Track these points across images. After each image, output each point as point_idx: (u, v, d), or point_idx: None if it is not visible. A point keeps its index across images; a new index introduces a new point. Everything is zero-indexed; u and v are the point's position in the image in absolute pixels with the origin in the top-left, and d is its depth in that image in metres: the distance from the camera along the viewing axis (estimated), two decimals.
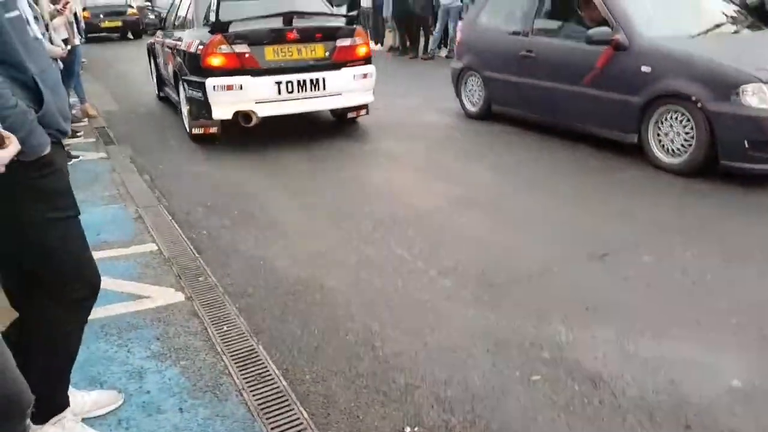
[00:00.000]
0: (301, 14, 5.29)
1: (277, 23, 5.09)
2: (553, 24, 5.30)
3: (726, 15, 5.07)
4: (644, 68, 4.32)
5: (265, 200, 4.10)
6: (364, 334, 2.44)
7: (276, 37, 5.07)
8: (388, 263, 3.08)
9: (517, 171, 4.53)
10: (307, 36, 5.16)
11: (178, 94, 5.90)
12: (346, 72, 5.31)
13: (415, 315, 2.58)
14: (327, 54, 5.25)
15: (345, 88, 5.33)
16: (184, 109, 5.60)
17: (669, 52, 4.27)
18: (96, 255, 1.78)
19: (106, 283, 1.95)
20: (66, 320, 1.69)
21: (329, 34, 5.27)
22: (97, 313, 1.75)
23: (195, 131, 5.41)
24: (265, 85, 5.03)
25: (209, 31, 5.06)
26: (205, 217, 3.79)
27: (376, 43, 12.46)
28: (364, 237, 3.43)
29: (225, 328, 2.44)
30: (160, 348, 2.29)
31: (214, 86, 4.96)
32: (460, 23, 11.04)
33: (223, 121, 5.19)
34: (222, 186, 4.41)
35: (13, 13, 1.51)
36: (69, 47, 5.48)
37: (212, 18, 5.02)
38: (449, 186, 4.24)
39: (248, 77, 4.99)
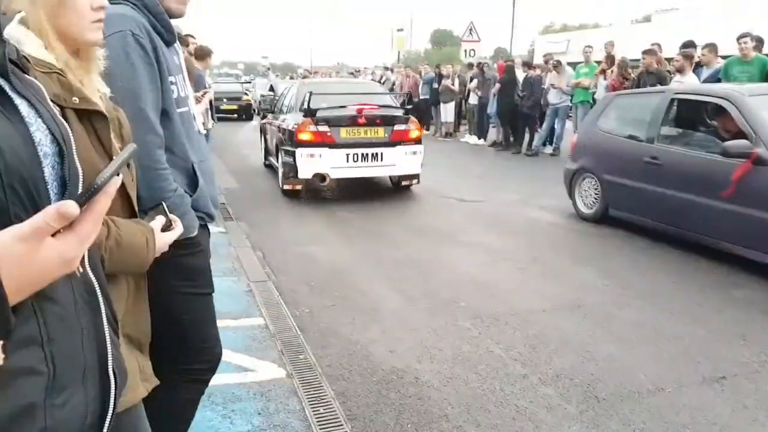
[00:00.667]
0: (369, 106, 6.94)
1: (351, 112, 6.83)
2: (682, 132, 5.14)
3: None
4: None
5: (365, 282, 4.21)
6: None
7: (349, 121, 6.79)
8: (485, 363, 3.01)
9: (628, 278, 4.31)
10: (372, 121, 6.85)
11: (277, 160, 7.61)
12: (400, 149, 6.95)
13: (514, 425, 2.47)
14: (386, 135, 6.90)
15: (398, 161, 6.97)
16: (280, 170, 7.36)
17: None
18: None
19: None
20: (184, 390, 1.79)
21: (388, 121, 6.95)
22: None
23: (285, 187, 7.09)
24: (338, 155, 6.73)
25: (303, 115, 6.77)
26: (309, 296, 3.95)
27: (479, 138, 12.78)
28: (461, 331, 3.39)
29: (321, 411, 2.47)
30: (261, 423, 2.36)
31: (301, 154, 6.69)
32: (568, 122, 11.11)
33: (306, 181, 6.85)
34: (325, 265, 4.60)
35: (184, 109, 1.77)
36: (206, 132, 6.19)
37: (305, 106, 6.73)
38: (554, 287, 4.12)
39: (326, 149, 6.71)
